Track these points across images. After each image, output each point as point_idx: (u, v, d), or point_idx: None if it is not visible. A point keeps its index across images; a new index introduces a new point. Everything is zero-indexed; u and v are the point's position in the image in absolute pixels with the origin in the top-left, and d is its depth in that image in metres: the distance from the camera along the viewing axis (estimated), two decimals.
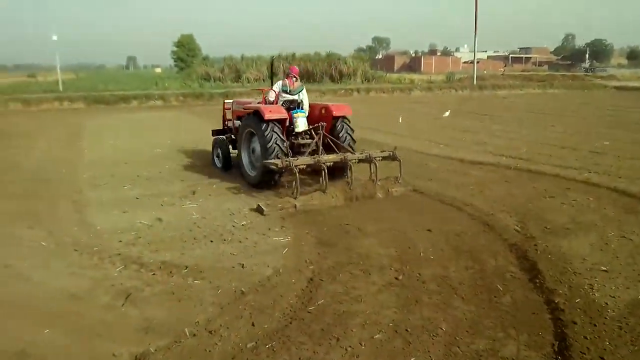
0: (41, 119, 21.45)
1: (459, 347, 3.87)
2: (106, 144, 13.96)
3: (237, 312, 4.47)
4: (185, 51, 57.27)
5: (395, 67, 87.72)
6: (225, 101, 11.61)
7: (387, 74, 51.71)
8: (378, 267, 5.40)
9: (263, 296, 4.76)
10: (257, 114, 8.54)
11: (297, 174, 7.59)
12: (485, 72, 57.28)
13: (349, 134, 9.07)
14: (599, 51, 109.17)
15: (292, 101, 9.18)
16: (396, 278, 5.10)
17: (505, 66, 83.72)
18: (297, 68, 9.75)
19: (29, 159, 11.98)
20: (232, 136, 10.42)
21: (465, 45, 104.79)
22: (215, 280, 5.11)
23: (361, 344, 3.92)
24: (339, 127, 9.03)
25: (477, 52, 42.26)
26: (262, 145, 8.35)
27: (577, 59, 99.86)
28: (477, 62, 43.82)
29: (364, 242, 6.15)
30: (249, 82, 41.45)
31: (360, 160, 8.36)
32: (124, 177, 9.66)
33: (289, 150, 8.53)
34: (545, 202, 7.74)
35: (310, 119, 9.15)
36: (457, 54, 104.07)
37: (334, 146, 8.69)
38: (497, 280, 5.06)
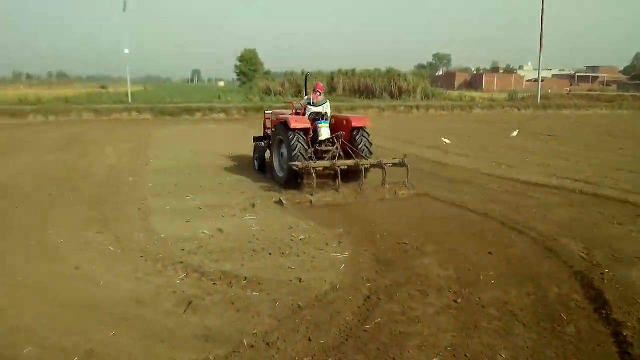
0: (111, 128, 22.50)
1: None
2: (171, 154, 14.45)
3: (294, 326, 4.52)
4: (248, 66, 58.63)
5: (456, 85, 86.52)
6: (266, 112, 12.74)
7: (448, 92, 51.14)
8: (436, 288, 5.33)
9: (320, 311, 4.79)
10: (285, 124, 9.83)
11: (314, 175, 8.82)
12: (549, 91, 55.70)
13: (365, 142, 10.15)
14: None
15: (317, 113, 10.34)
16: (455, 301, 5.02)
17: (571, 85, 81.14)
18: (321, 84, 11.00)
19: (100, 166, 12.58)
20: (269, 142, 11.33)
21: (530, 63, 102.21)
22: (273, 293, 5.19)
23: None
24: (358, 137, 10.16)
25: (542, 70, 41.18)
26: (288, 150, 9.62)
27: None
28: (542, 81, 42.68)
29: (423, 262, 6.09)
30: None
31: (372, 166, 9.49)
32: (187, 187, 9.97)
33: (313, 155, 9.78)
34: (613, 229, 7.42)
35: (334, 129, 10.32)
36: (521, 72, 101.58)
37: (352, 153, 9.81)
38: (560, 309, 4.88)
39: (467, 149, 15.85)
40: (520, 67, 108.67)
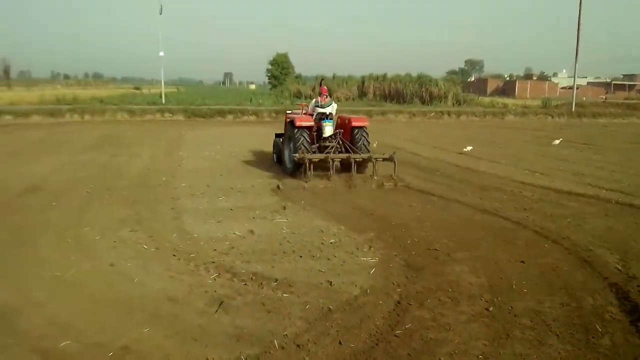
0: (144, 129, 22.95)
1: None
2: (202, 155, 14.66)
3: (325, 328, 4.54)
4: (279, 69, 58.89)
5: (488, 91, 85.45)
6: (287, 112, 13.89)
7: (479, 97, 50.56)
8: (467, 295, 5.28)
9: (350, 315, 4.80)
10: (292, 122, 11.42)
11: (308, 165, 10.46)
12: (584, 98, 54.56)
13: (364, 139, 11.50)
14: None
15: (322, 113, 11.80)
16: (486, 309, 4.96)
17: (607, 93, 79.26)
18: (326, 88, 12.55)
19: (134, 166, 12.84)
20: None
21: (564, 70, 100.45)
22: (303, 295, 5.22)
23: None
24: (357, 135, 11.55)
25: (577, 77, 40.40)
26: (293, 145, 11.17)
27: None
28: (577, 88, 41.86)
29: (454, 268, 6.04)
30: (339, 100, 42.02)
31: (363, 160, 11.00)
32: (219, 188, 10.10)
33: (317, 149, 11.34)
34: None
35: (339, 128, 11.83)
36: (554, 79, 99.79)
37: (349, 148, 11.30)
38: (595, 320, 4.79)
39: (499, 156, 15.64)
40: (554, 74, 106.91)
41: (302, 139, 11.08)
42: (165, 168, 12.52)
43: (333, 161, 10.76)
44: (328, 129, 11.58)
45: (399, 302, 5.10)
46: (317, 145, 11.52)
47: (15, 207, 8.62)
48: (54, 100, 32.93)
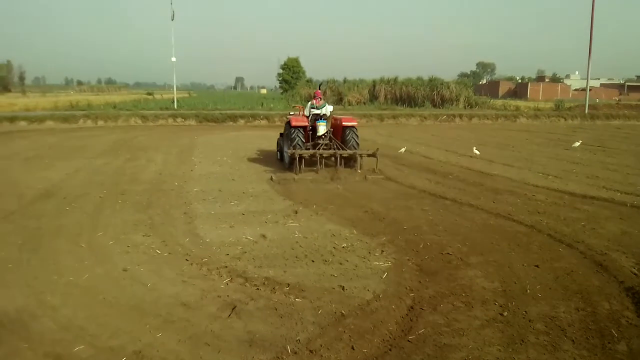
0: (157, 133, 23.09)
1: None
2: (215, 160, 14.71)
3: (337, 334, 4.52)
4: (290, 73, 59.02)
5: (500, 93, 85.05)
6: (289, 113, 15.36)
7: (491, 100, 50.28)
8: (481, 300, 5.24)
9: (363, 320, 4.78)
10: (288, 123, 13.05)
11: (298, 160, 11.81)
12: (597, 100, 54.09)
13: (353, 138, 12.92)
14: None
15: (317, 114, 13.13)
16: (500, 314, 4.92)
17: (620, 94, 78.54)
18: (319, 91, 13.74)
19: (147, 171, 12.92)
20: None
21: (577, 72, 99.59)
22: (315, 300, 5.21)
23: None
24: (347, 134, 12.98)
25: (590, 79, 40.05)
26: (289, 142, 12.61)
27: None
28: (590, 90, 41.50)
29: (467, 273, 6.00)
30: (350, 104, 42.02)
31: (349, 156, 12.46)
32: (231, 193, 10.13)
33: (310, 147, 12.68)
34: None
35: (332, 127, 13.20)
36: (567, 81, 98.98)
37: (340, 146, 12.68)
38: (611, 325, 4.73)
39: (512, 159, 15.54)
40: (567, 76, 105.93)
41: (296, 137, 12.51)
42: (177, 173, 12.59)
43: (321, 156, 12.12)
44: (322, 128, 12.89)
45: (412, 307, 5.07)
46: (312, 143, 12.94)
47: (29, 212, 8.70)
48: (67, 106, 33.32)
